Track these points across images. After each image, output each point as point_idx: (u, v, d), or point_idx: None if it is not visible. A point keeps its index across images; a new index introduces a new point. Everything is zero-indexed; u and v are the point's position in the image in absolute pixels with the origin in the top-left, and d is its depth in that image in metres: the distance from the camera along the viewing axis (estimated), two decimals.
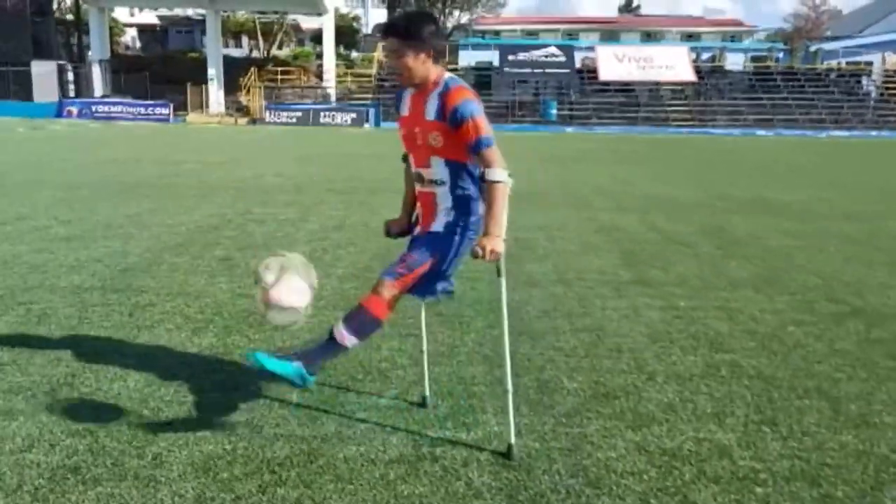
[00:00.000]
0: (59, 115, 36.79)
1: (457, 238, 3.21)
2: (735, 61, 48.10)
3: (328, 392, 3.80)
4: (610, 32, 64.24)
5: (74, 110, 37.28)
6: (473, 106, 3.00)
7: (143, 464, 3.04)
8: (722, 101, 42.19)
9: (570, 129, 38.42)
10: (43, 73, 39.30)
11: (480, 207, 3.20)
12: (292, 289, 3.07)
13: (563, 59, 44.18)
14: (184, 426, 3.40)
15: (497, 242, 2.99)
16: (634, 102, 42.41)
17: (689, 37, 63.09)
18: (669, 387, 3.99)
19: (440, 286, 3.27)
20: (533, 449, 3.25)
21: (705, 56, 50.09)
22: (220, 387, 3.85)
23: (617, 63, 44.27)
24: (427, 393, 3.71)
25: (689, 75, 43.62)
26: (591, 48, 47.66)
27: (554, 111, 40.64)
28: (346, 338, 3.07)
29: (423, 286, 3.20)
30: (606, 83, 43.56)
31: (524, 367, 4.19)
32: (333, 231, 8.26)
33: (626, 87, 43.68)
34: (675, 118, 40.79)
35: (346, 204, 10.22)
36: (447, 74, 3.12)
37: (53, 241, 7.23)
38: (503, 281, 3.19)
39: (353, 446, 3.23)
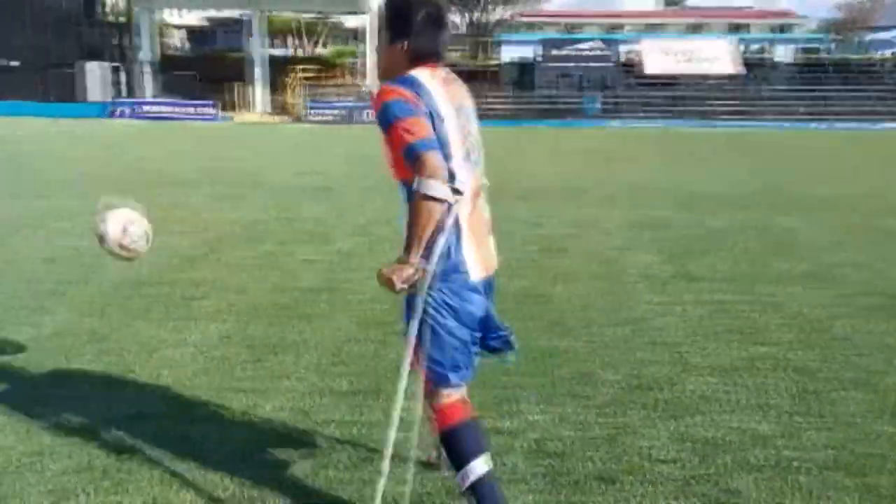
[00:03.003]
0: (108, 115, 37.73)
1: (419, 299, 2.37)
2: (784, 53, 47.05)
3: (368, 381, 3.90)
4: (654, 25, 63.33)
5: (124, 111, 38.21)
6: (398, 106, 2.29)
7: (193, 447, 3.19)
8: (771, 94, 41.35)
9: (612, 124, 38.05)
10: (93, 75, 40.33)
11: (456, 250, 2.41)
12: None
13: (606, 52, 43.75)
14: (230, 413, 3.55)
15: (400, 269, 2.31)
16: (679, 96, 41.81)
17: (737, 28, 61.87)
18: (709, 378, 4.00)
19: (492, 343, 2.66)
20: (570, 437, 3.31)
21: (753, 48, 49.12)
22: (270, 375, 3.99)
23: (661, 56, 43.68)
24: None
25: (735, 68, 42.82)
26: (634, 42, 47.11)
27: (596, 105, 40.30)
28: (461, 478, 2.43)
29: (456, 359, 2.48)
30: (650, 77, 43.02)
31: (563, 359, 4.25)
32: (375, 226, 8.39)
33: (670, 81, 43.08)
34: (721, 112, 40.10)
35: (387, 201, 10.34)
36: (412, 72, 2.39)
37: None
38: (413, 325, 2.39)
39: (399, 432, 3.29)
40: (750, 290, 5.85)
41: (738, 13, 70.88)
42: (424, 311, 2.37)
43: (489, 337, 2.64)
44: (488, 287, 2.59)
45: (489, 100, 40.92)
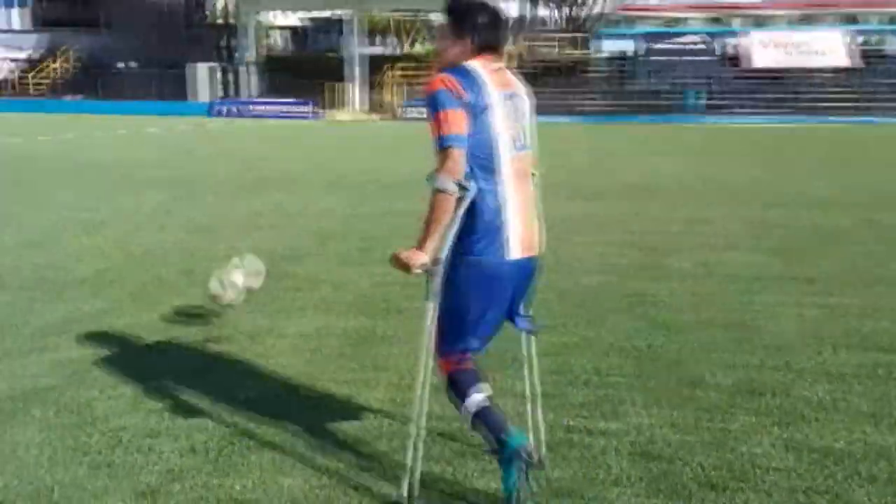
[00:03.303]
0: (211, 114, 39.35)
1: (437, 281, 2.59)
2: None
3: None
4: (760, 17, 60.74)
5: (225, 109, 39.78)
6: (444, 95, 2.49)
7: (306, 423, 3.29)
8: (886, 89, 38.97)
9: (713, 120, 36.80)
10: (198, 75, 42.20)
11: (481, 223, 2.56)
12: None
13: (707, 46, 42.40)
14: (330, 402, 3.63)
15: (412, 253, 2.52)
16: (786, 90, 39.99)
17: (851, 19, 58.59)
18: (821, 385, 3.80)
19: (519, 324, 2.83)
20: (674, 441, 3.21)
21: (865, 39, 46.45)
22: (370, 366, 4.06)
23: (768, 49, 41.89)
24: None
25: (846, 60, 40.58)
26: (739, 34, 45.37)
27: (698, 101, 39.04)
28: (464, 414, 2.67)
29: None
30: (755, 70, 41.33)
31: (669, 361, 4.13)
32: None
33: (776, 76, 41.26)
34: (832, 107, 38.10)
35: None
36: (467, 63, 2.60)
37: (204, 232, 7.85)
38: (430, 305, 2.60)
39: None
40: (863, 292, 5.53)
41: (849, 2, 67.25)
42: (444, 289, 2.58)
43: (516, 315, 2.79)
44: (528, 267, 2.70)
45: (585, 94, 40.39)
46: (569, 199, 9.56)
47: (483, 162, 2.54)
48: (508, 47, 44.84)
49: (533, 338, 2.96)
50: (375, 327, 4.72)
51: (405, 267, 2.53)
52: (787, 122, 35.67)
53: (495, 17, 2.67)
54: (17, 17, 45.81)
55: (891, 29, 49.22)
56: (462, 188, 2.50)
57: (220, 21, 49.86)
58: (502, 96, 2.58)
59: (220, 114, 39.27)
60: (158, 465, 3.00)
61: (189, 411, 3.49)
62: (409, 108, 38.57)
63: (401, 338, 4.48)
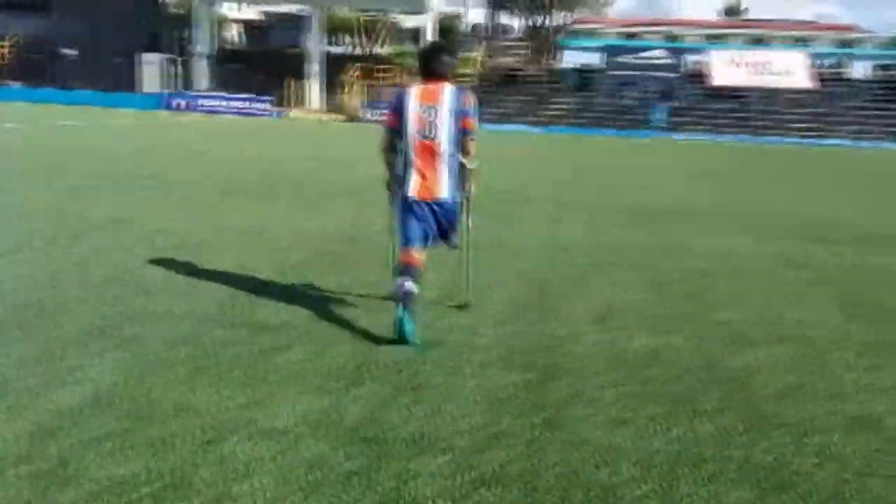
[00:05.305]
0: (164, 107, 37.49)
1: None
2: (858, 69, 44.92)
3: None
4: (715, 36, 61.27)
5: (175, 103, 37.92)
6: (389, 104, 4.66)
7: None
8: (846, 112, 39.34)
9: (678, 137, 36.56)
10: (150, 66, 40.20)
11: (400, 173, 4.50)
12: None
13: (671, 62, 42.22)
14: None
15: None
16: (748, 110, 40.05)
17: (802, 41, 59.58)
18: None
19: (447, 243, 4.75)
20: None
21: (826, 62, 47.03)
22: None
23: (730, 68, 41.93)
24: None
25: (808, 82, 40.87)
26: (701, 51, 45.39)
27: (662, 116, 38.73)
28: (396, 287, 4.38)
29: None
30: (718, 89, 41.31)
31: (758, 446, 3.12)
32: None
33: (739, 94, 41.33)
34: (794, 128, 38.27)
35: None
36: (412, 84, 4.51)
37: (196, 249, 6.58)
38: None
39: None
40: None
41: (801, 25, 68.52)
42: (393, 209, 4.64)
43: (444, 238, 4.61)
44: (427, 205, 4.40)
45: (548, 105, 39.75)
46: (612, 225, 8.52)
47: (403, 140, 4.36)
48: (471, 54, 44.05)
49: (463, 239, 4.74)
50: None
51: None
52: (750, 141, 35.60)
53: (426, 59, 4.44)
54: None
55: (849, 52, 49.99)
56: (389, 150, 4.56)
57: (175, 11, 47.77)
58: (418, 106, 4.31)
59: (170, 107, 37.41)
60: None
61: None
62: (369, 110, 37.36)
63: None
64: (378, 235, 6.43)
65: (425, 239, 4.45)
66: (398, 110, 4.34)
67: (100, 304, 4.90)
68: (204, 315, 4.75)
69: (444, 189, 4.36)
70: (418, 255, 4.41)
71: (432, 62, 4.37)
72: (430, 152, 4.30)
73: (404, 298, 4.22)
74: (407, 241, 4.41)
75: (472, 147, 4.44)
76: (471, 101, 4.41)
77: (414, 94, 4.32)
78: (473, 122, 4.39)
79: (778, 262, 7.41)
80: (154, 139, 19.98)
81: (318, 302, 5.17)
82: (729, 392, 3.90)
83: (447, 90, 4.32)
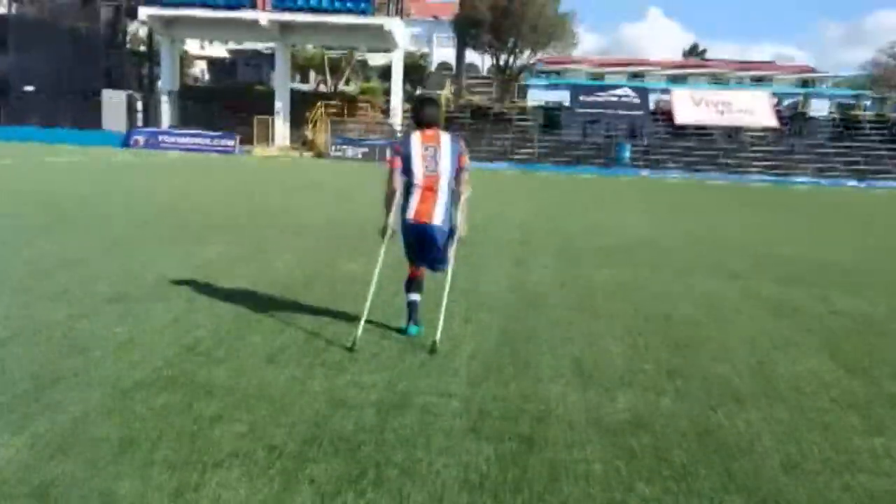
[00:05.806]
0: (126, 144, 36.77)
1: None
2: (818, 108, 45.85)
3: None
4: (678, 76, 62.47)
5: (141, 140, 37.21)
6: (392, 149, 5.35)
7: None
8: (808, 150, 39.97)
9: (644, 173, 36.78)
10: (113, 103, 39.49)
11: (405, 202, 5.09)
12: None
13: (636, 100, 42.63)
14: None
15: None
16: (712, 148, 40.50)
17: (760, 81, 61.01)
18: None
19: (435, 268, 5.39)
20: None
21: (787, 102, 47.98)
22: None
23: (693, 106, 42.47)
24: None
25: (770, 121, 41.54)
26: (665, 90, 46.01)
27: (627, 154, 38.97)
28: (407, 298, 5.40)
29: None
30: (682, 127, 41.79)
31: None
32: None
33: (702, 132, 41.86)
34: (757, 166, 38.76)
35: None
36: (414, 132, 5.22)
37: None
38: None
39: None
40: None
41: (761, 66, 70.12)
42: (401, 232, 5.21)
43: (433, 263, 5.31)
44: (419, 227, 5.04)
45: (515, 143, 39.78)
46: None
47: (410, 176, 5.03)
48: (443, 92, 44.08)
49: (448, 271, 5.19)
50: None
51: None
52: (715, 178, 35.91)
53: (418, 111, 5.24)
54: None
55: (811, 91, 51.12)
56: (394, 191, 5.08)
57: (139, 48, 47.22)
58: (422, 147, 5.06)
59: (135, 144, 36.67)
60: None
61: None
62: (336, 146, 37.01)
63: None
64: (330, 276, 5.91)
65: (422, 261, 5.28)
66: (404, 153, 5.02)
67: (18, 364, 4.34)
68: (137, 377, 4.22)
69: (438, 215, 5.00)
70: (421, 269, 5.36)
71: (424, 113, 5.16)
72: (433, 182, 5.00)
73: (414, 308, 5.35)
74: (411, 261, 5.30)
75: (466, 176, 5.16)
76: (463, 143, 5.23)
77: (417, 138, 5.07)
78: (466, 160, 5.18)
79: (759, 305, 7.05)
80: (99, 181, 19.30)
81: (267, 359, 4.67)
82: (728, 466, 3.48)
83: (443, 135, 5.11)
